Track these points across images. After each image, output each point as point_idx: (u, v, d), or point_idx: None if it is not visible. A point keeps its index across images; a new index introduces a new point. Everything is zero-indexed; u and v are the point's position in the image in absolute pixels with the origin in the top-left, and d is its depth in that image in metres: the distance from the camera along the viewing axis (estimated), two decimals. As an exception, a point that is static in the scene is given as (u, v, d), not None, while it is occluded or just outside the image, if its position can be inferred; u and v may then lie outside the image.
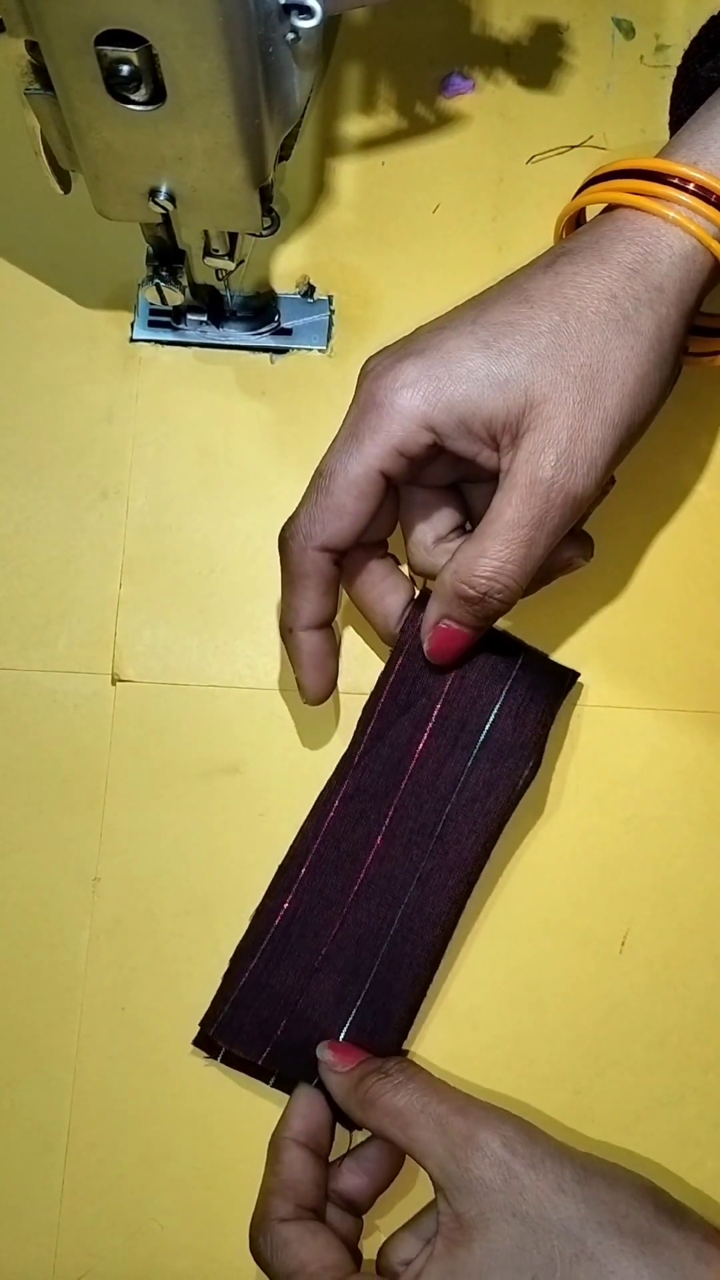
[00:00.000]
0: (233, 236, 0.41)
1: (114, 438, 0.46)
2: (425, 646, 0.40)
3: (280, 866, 0.41)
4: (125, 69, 0.32)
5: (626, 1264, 0.33)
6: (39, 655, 0.44)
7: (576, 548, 0.40)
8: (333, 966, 0.40)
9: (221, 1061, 0.41)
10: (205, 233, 0.41)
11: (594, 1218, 0.34)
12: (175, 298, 0.44)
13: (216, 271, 0.43)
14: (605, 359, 0.35)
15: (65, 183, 0.39)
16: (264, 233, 0.39)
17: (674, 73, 0.42)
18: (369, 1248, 0.40)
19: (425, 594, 0.40)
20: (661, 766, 0.44)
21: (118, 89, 0.33)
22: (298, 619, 0.39)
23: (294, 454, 0.46)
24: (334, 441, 0.37)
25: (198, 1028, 0.41)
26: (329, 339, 0.47)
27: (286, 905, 0.41)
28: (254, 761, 0.44)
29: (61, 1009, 0.42)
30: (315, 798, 0.41)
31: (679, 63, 0.41)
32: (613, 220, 0.37)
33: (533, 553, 0.36)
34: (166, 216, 0.38)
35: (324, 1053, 0.39)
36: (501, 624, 0.41)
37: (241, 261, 0.43)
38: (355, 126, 0.49)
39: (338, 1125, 0.40)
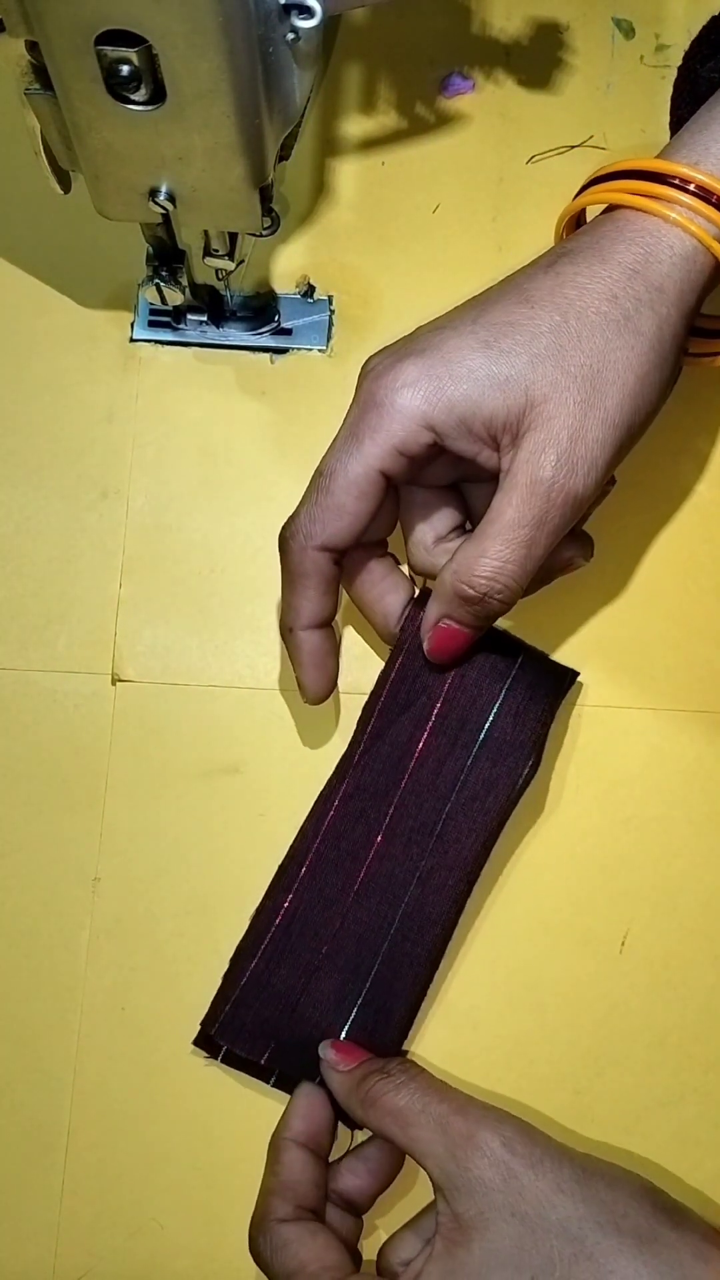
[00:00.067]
0: (233, 236, 0.41)
1: (114, 438, 0.46)
2: (425, 646, 0.40)
3: (280, 866, 0.41)
4: (125, 69, 0.32)
5: (625, 1263, 0.33)
6: (39, 655, 0.44)
7: (576, 548, 0.40)
8: (333, 965, 0.40)
9: (222, 1061, 0.41)
10: (205, 233, 0.41)
11: (593, 1217, 0.34)
12: (175, 298, 0.44)
13: (216, 271, 0.43)
14: (606, 359, 0.35)
15: (65, 183, 0.39)
16: (264, 233, 0.39)
17: (674, 73, 0.42)
18: (369, 1248, 0.40)
19: (425, 593, 0.40)
20: (661, 766, 0.44)
21: (118, 89, 0.33)
22: (298, 618, 0.39)
23: (294, 454, 0.46)
24: (334, 441, 0.37)
25: (198, 1028, 0.41)
26: (329, 339, 0.47)
27: (287, 904, 0.41)
28: (254, 761, 0.44)
29: (61, 1009, 0.42)
30: (315, 797, 0.41)
31: (679, 63, 0.41)
32: (613, 221, 0.37)
33: (533, 553, 0.36)
34: (166, 216, 0.38)
35: (326, 1051, 0.39)
36: (502, 623, 0.41)
37: (241, 261, 0.43)
38: (355, 126, 0.49)
39: (339, 1125, 0.40)
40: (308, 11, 0.32)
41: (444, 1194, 0.35)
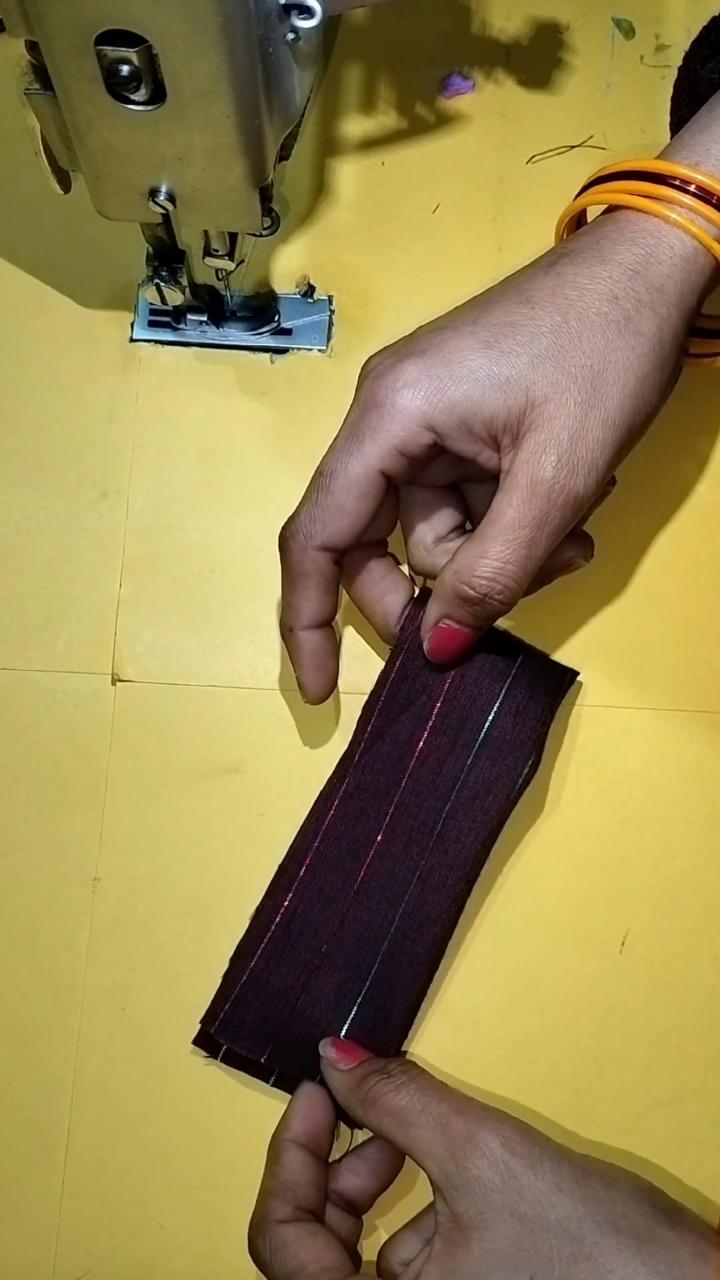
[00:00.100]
0: (233, 236, 0.41)
1: (114, 438, 0.46)
2: (425, 646, 0.40)
3: (280, 865, 0.41)
4: (125, 69, 0.32)
5: (624, 1262, 0.33)
6: (39, 655, 0.44)
7: (577, 548, 0.40)
8: (333, 964, 0.40)
9: (221, 1060, 0.41)
10: (205, 233, 0.41)
11: (591, 1217, 0.34)
12: (175, 298, 0.44)
13: (216, 271, 0.43)
14: (606, 360, 0.35)
15: (65, 183, 0.39)
16: (264, 233, 0.39)
17: (674, 73, 0.42)
18: (370, 1248, 0.40)
19: (425, 593, 0.40)
20: (661, 766, 0.44)
21: (118, 89, 0.33)
22: (298, 618, 0.39)
23: (294, 454, 0.46)
24: (334, 441, 0.37)
25: (198, 1027, 0.41)
26: (329, 339, 0.47)
27: (287, 903, 0.41)
28: (254, 761, 0.44)
29: (61, 1009, 0.42)
30: (315, 797, 0.41)
31: (679, 63, 0.41)
32: (614, 221, 0.37)
33: (533, 553, 0.36)
34: (166, 216, 0.38)
35: (326, 1050, 0.39)
36: (502, 623, 0.41)
37: (241, 261, 0.43)
38: (355, 126, 0.49)
39: (339, 1125, 0.40)
40: (308, 11, 0.32)
41: (443, 1194, 0.35)
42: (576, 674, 0.42)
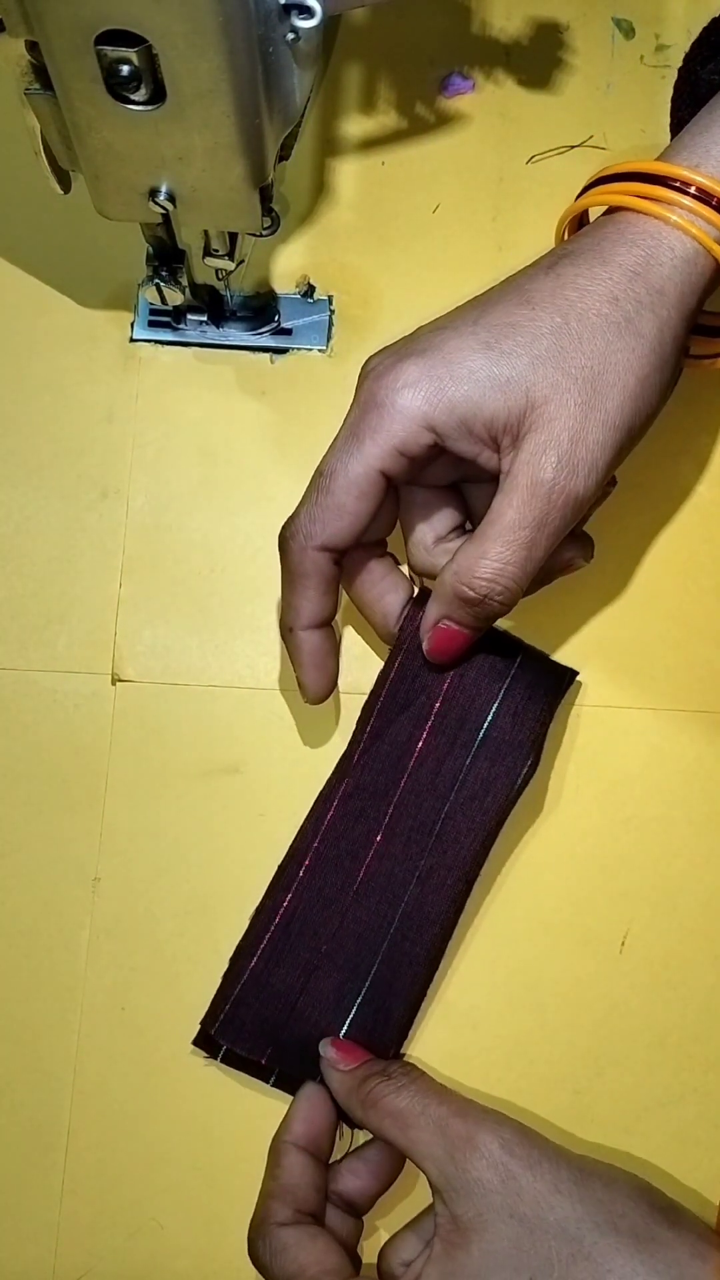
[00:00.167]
0: (233, 236, 0.41)
1: (114, 438, 0.46)
2: (425, 646, 0.40)
3: (280, 866, 0.41)
4: (125, 69, 0.32)
5: (623, 1262, 0.33)
6: (39, 655, 0.44)
7: (577, 548, 0.40)
8: (333, 964, 0.40)
9: (221, 1061, 0.41)
10: (205, 233, 0.41)
11: (590, 1218, 0.34)
12: (175, 298, 0.44)
13: (216, 271, 0.43)
14: (607, 361, 0.35)
15: (65, 183, 0.39)
16: (264, 233, 0.39)
17: (674, 73, 0.42)
18: (370, 1249, 0.40)
19: (424, 593, 0.40)
20: (661, 766, 0.44)
21: (118, 89, 0.33)
22: (298, 618, 0.39)
23: (294, 454, 0.46)
24: (334, 441, 0.37)
25: (198, 1027, 0.41)
26: (329, 339, 0.47)
27: (286, 904, 0.41)
28: (254, 761, 0.44)
29: (61, 1009, 0.42)
30: (315, 797, 0.41)
31: (679, 63, 0.41)
32: (614, 223, 0.37)
33: (533, 554, 0.36)
34: (166, 216, 0.38)
35: (327, 1050, 0.39)
36: (502, 623, 0.41)
37: (241, 261, 0.43)
38: (355, 126, 0.49)
39: (340, 1128, 0.40)
40: (308, 11, 0.32)
41: (442, 1196, 0.35)
42: (576, 674, 0.42)
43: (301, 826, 0.42)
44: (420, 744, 0.41)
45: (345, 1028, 0.40)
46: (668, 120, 0.43)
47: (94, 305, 0.47)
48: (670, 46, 0.49)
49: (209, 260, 0.42)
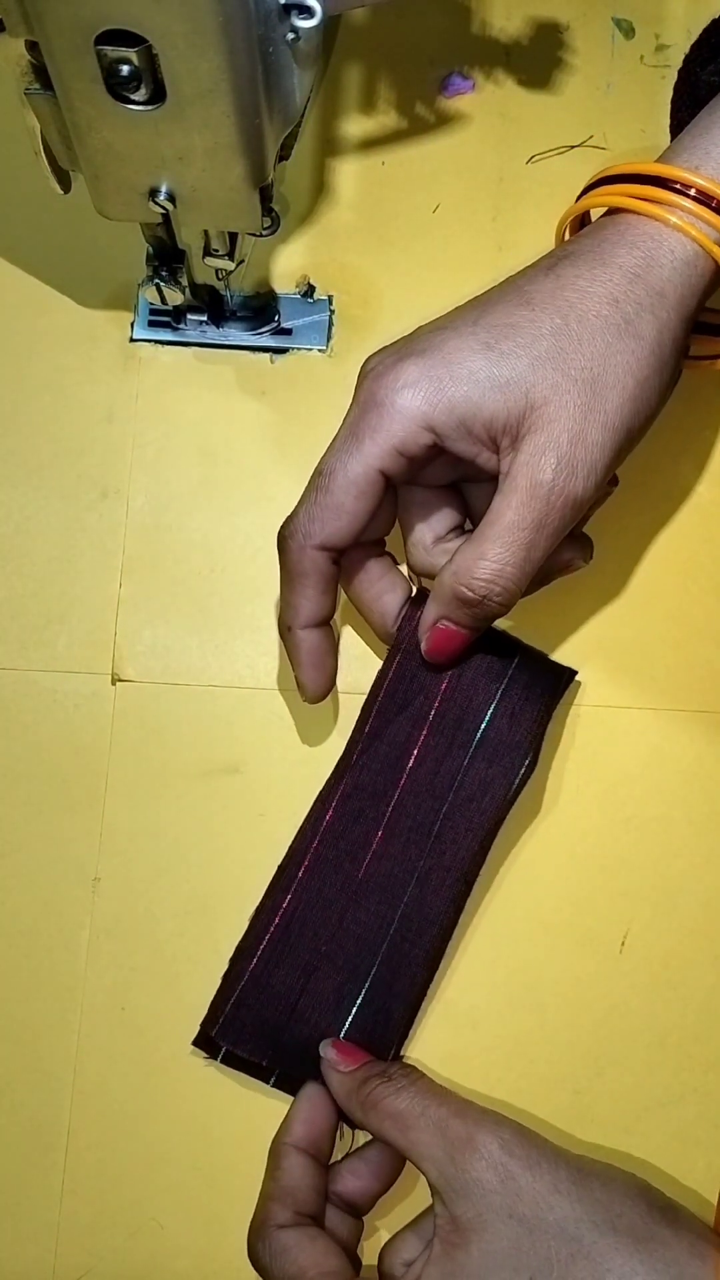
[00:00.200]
0: (233, 236, 0.41)
1: (114, 438, 0.46)
2: (423, 646, 0.40)
3: (280, 866, 0.41)
4: (125, 69, 0.32)
5: (622, 1261, 0.33)
6: (39, 655, 0.44)
7: (576, 549, 0.40)
8: (332, 965, 0.40)
9: (221, 1061, 0.41)
10: (205, 233, 0.41)
11: (589, 1217, 0.34)
12: (175, 298, 0.44)
13: (216, 271, 0.43)
14: (606, 363, 0.35)
15: (65, 183, 0.39)
16: (264, 233, 0.39)
17: (674, 73, 0.41)
18: (370, 1249, 0.40)
19: (423, 593, 0.40)
20: (661, 766, 0.44)
21: (118, 89, 0.33)
22: (296, 617, 0.39)
23: (294, 454, 0.46)
24: (334, 440, 0.37)
25: (198, 1028, 0.41)
26: (329, 339, 0.47)
27: (285, 905, 0.41)
28: (254, 761, 0.44)
29: (61, 1009, 0.42)
30: (315, 797, 0.41)
31: (679, 64, 0.41)
32: (614, 224, 0.37)
33: (532, 555, 0.36)
34: (166, 216, 0.38)
35: (327, 1051, 0.39)
36: (501, 623, 0.41)
37: (241, 261, 0.43)
38: (355, 126, 0.49)
39: (340, 1129, 0.40)
40: (308, 11, 0.32)
41: (442, 1197, 0.35)
42: (574, 673, 0.42)
43: (301, 827, 0.41)
44: (418, 744, 0.41)
45: (345, 1029, 0.40)
46: (668, 120, 0.43)
47: (94, 305, 0.47)
48: (670, 46, 0.49)
49: (209, 260, 0.42)
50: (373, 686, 0.41)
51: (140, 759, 0.44)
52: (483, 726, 0.40)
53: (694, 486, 0.46)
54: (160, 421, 0.46)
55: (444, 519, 0.40)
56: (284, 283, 0.47)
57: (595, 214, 0.39)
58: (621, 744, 0.44)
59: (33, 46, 0.33)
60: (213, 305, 0.46)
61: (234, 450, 0.46)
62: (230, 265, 0.42)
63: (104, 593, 0.45)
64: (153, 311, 0.47)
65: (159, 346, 0.47)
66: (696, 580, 0.45)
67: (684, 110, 0.40)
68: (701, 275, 0.36)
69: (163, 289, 0.43)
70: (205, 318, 0.46)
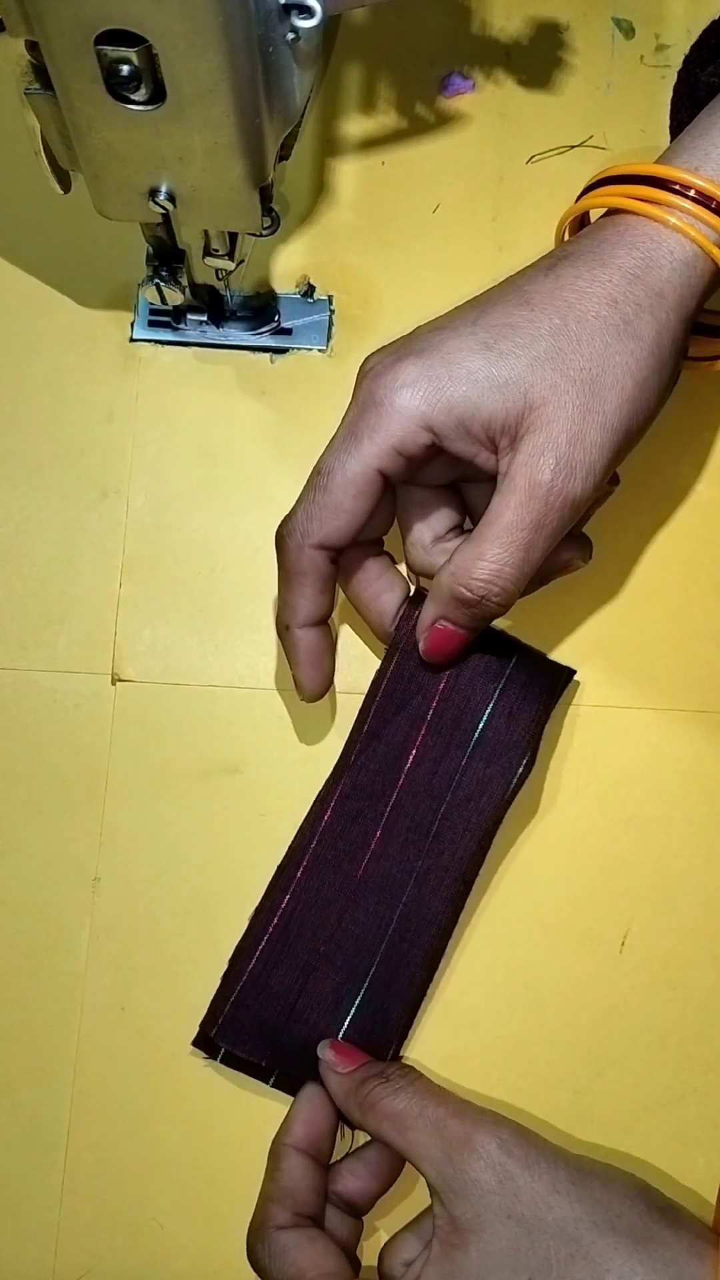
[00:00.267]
0: (233, 236, 0.41)
1: (114, 438, 0.46)
2: (421, 646, 0.40)
3: (279, 866, 0.41)
4: (125, 69, 0.32)
5: (621, 1261, 0.33)
6: (39, 655, 0.44)
7: (575, 549, 0.40)
8: (331, 966, 0.40)
9: (221, 1061, 0.41)
10: (205, 233, 0.41)
11: (588, 1217, 0.34)
12: (175, 298, 0.44)
13: (216, 271, 0.43)
14: (606, 364, 0.35)
15: (65, 183, 0.39)
16: (264, 233, 0.39)
17: (674, 73, 0.41)
18: (370, 1250, 0.40)
19: (421, 592, 0.40)
20: (661, 766, 0.44)
21: (118, 89, 0.33)
22: (295, 616, 0.39)
23: (294, 454, 0.46)
24: (333, 440, 0.37)
25: (198, 1028, 0.41)
26: (329, 339, 0.47)
27: (284, 905, 0.41)
28: (254, 761, 0.44)
29: (61, 1009, 0.42)
30: (314, 797, 0.41)
31: (679, 64, 0.41)
32: (614, 225, 0.37)
33: (530, 556, 0.36)
34: (166, 216, 0.38)
35: (325, 1052, 0.39)
36: (499, 623, 0.41)
37: (241, 261, 0.43)
38: (355, 126, 0.49)
39: (340, 1129, 0.40)
40: (308, 11, 0.32)
41: (440, 1197, 0.35)
42: (573, 673, 0.42)
43: (299, 827, 0.42)
44: (416, 744, 0.41)
45: (344, 1029, 0.40)
46: (667, 121, 0.43)
47: (94, 305, 0.47)
48: (670, 46, 0.49)
49: (209, 260, 0.42)
50: (371, 686, 0.41)
51: (140, 759, 0.44)
52: (480, 726, 0.40)
53: (694, 486, 0.46)
54: (160, 421, 0.46)
55: (443, 519, 0.40)
56: (284, 283, 0.47)
57: (595, 214, 0.39)
58: (621, 744, 0.44)
59: (33, 46, 0.33)
60: (213, 305, 0.46)
61: (234, 450, 0.46)
62: (230, 265, 0.42)
63: (104, 593, 0.45)
64: (153, 311, 0.47)
65: (159, 346, 0.47)
66: (696, 580, 0.45)
67: (683, 111, 0.40)
68: (701, 276, 0.36)
69: (163, 289, 0.43)
70: (205, 318, 0.46)
